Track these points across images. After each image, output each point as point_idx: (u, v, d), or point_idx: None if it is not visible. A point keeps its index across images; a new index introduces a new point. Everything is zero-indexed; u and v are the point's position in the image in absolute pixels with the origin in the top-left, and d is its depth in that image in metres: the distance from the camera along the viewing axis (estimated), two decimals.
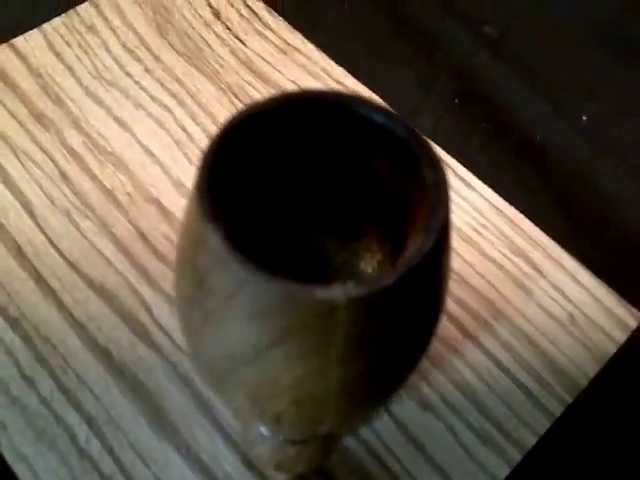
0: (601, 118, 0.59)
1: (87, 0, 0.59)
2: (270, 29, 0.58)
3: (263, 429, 0.34)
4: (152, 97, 0.53)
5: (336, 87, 0.55)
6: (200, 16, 0.58)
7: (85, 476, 0.39)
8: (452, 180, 0.51)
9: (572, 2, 0.61)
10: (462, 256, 0.47)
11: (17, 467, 0.39)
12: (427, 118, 0.56)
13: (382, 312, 0.22)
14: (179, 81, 0.54)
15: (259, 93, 0.54)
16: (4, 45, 0.55)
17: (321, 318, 0.21)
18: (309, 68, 0.56)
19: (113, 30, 0.57)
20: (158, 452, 0.40)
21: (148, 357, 0.43)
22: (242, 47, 0.57)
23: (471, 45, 0.62)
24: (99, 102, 0.53)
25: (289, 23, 0.59)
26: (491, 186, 0.51)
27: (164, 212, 0.48)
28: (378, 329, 0.22)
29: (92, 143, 0.51)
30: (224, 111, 0.53)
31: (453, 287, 0.46)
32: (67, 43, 0.56)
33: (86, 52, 0.55)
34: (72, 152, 0.50)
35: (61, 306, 0.44)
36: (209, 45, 0.57)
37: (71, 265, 0.46)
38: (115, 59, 0.55)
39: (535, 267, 0.47)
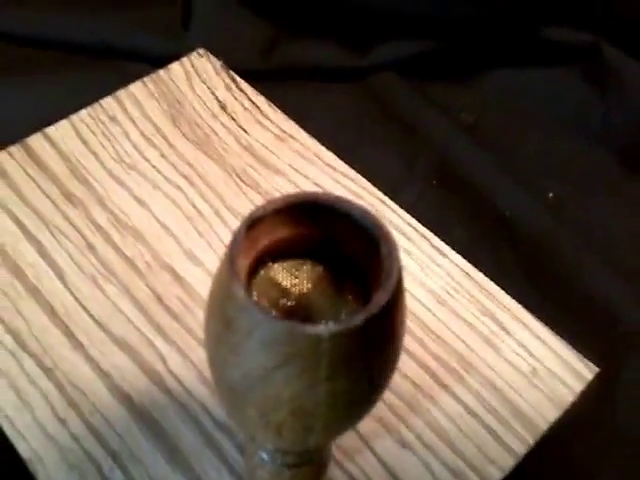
0: (565, 196, 0.66)
1: (110, 94, 0.66)
2: (269, 119, 0.65)
3: (264, 455, 0.40)
4: (167, 179, 0.60)
5: (327, 170, 0.62)
6: (209, 108, 0.66)
7: None
8: (428, 249, 0.57)
9: (539, 93, 0.69)
10: (437, 316, 0.54)
11: None
12: (409, 195, 0.63)
13: (355, 343, 0.29)
14: (190, 165, 0.61)
15: (259, 175, 0.61)
16: (38, 134, 0.62)
17: (311, 347, 0.28)
18: (303, 153, 0.63)
19: (132, 120, 0.64)
20: None
21: (163, 401, 0.49)
22: (245, 135, 0.64)
23: (449, 130, 0.70)
24: (121, 183, 0.60)
25: (285, 114, 0.66)
26: (464, 255, 0.57)
27: (177, 278, 0.55)
28: (353, 355, 0.29)
29: (115, 219, 0.57)
30: (229, 190, 0.60)
31: (429, 343, 0.52)
32: (92, 132, 0.63)
33: (109, 139, 0.63)
34: (97, 226, 0.57)
35: (89, 358, 0.50)
36: (216, 133, 0.64)
37: (97, 323, 0.52)
38: (134, 145, 0.62)
39: (502, 326, 0.53)
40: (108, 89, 0.67)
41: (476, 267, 0.57)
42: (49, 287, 0.54)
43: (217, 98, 0.67)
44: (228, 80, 0.68)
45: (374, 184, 0.61)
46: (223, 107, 0.66)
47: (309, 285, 0.34)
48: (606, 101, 0.70)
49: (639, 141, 0.69)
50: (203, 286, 0.54)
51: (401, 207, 0.60)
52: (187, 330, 0.52)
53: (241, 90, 0.67)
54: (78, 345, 0.51)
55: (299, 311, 0.33)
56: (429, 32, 0.74)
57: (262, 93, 0.68)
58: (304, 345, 0.28)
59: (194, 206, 0.59)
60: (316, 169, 0.62)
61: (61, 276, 0.54)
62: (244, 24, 0.76)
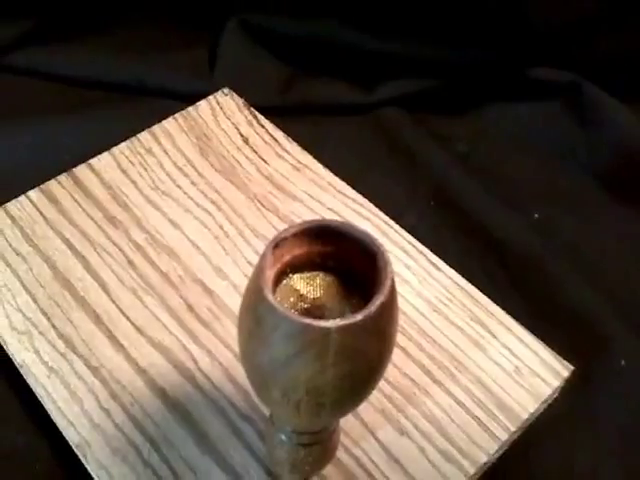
0: (550, 218, 0.72)
1: (145, 129, 0.74)
2: (287, 151, 0.72)
3: (282, 436, 0.47)
4: (197, 204, 0.67)
5: (339, 196, 0.68)
6: (233, 142, 0.72)
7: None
8: (426, 264, 0.64)
9: (527, 125, 0.76)
10: (432, 322, 0.60)
11: (99, 473, 0.52)
12: (410, 218, 0.69)
13: (357, 335, 0.36)
14: (217, 192, 0.68)
15: (279, 200, 0.67)
16: (84, 165, 0.69)
17: (322, 338, 0.35)
18: (317, 181, 0.69)
19: (166, 152, 0.71)
20: (202, 464, 0.52)
21: (194, 395, 0.55)
22: (265, 165, 0.70)
23: (446, 159, 0.77)
24: (156, 207, 0.66)
25: (301, 145, 0.72)
26: (458, 270, 0.63)
27: (207, 290, 0.61)
28: (355, 345, 0.36)
29: (152, 238, 0.64)
30: (252, 214, 0.66)
31: (425, 345, 0.59)
32: (131, 162, 0.70)
33: (146, 169, 0.70)
34: (136, 245, 0.64)
35: (129, 358, 0.57)
36: (240, 164, 0.71)
37: (137, 328, 0.59)
38: (168, 174, 0.69)
39: (489, 331, 0.59)
40: (143, 123, 0.73)
41: (468, 280, 0.63)
42: (95, 298, 0.60)
43: (240, 132, 0.73)
44: (250, 117, 0.75)
45: (380, 208, 0.67)
46: (246, 141, 0.73)
47: (321, 292, 0.41)
48: (587, 132, 0.76)
49: (618, 168, 0.75)
50: (229, 297, 0.61)
51: (403, 228, 0.66)
52: (215, 335, 0.59)
53: (262, 125, 0.74)
54: (120, 347, 0.58)
55: (313, 312, 0.40)
56: (429, 72, 0.81)
57: (280, 127, 0.74)
58: (316, 336, 0.35)
59: (221, 228, 0.65)
60: (329, 195, 0.69)
61: (105, 288, 0.61)
62: (264, 65, 0.83)
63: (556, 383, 0.57)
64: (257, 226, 0.66)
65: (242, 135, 0.74)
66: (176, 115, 0.74)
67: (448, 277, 0.63)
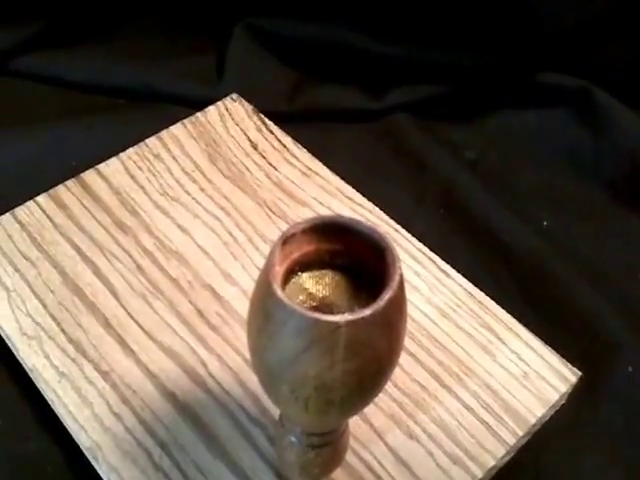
0: (558, 224, 0.73)
1: (153, 135, 0.75)
2: (296, 157, 0.72)
3: (292, 438, 0.47)
4: (206, 209, 0.67)
5: (347, 202, 0.68)
6: (242, 148, 0.73)
7: None
8: (435, 271, 0.64)
9: (535, 132, 0.76)
10: (441, 328, 0.60)
11: (111, 476, 0.52)
12: (418, 224, 0.69)
13: (365, 330, 0.36)
14: (226, 198, 0.68)
15: (287, 206, 0.67)
16: (92, 170, 0.70)
17: (330, 333, 0.35)
18: (326, 187, 0.69)
19: (174, 158, 0.72)
20: (213, 467, 0.52)
21: (204, 399, 0.55)
22: (274, 171, 0.71)
23: (454, 166, 0.77)
24: (165, 213, 0.67)
25: (310, 151, 0.73)
26: (466, 276, 0.63)
27: (216, 295, 0.61)
28: (364, 340, 0.36)
29: (161, 244, 0.64)
30: (261, 220, 0.66)
31: (434, 351, 0.59)
32: (139, 168, 0.70)
33: (154, 175, 0.70)
34: (145, 250, 0.64)
35: (139, 362, 0.57)
36: (249, 170, 0.71)
37: (146, 333, 0.59)
38: (177, 180, 0.69)
39: (497, 337, 0.60)
40: (151, 129, 0.73)
41: (477, 286, 0.63)
42: (104, 303, 0.61)
43: (249, 139, 0.74)
44: (259, 123, 0.76)
45: (388, 215, 0.68)
46: (255, 147, 0.73)
47: (330, 290, 0.41)
48: (596, 139, 0.77)
49: (626, 175, 0.75)
50: (238, 302, 0.61)
51: (412, 235, 0.66)
52: (225, 340, 0.59)
53: (270, 132, 0.75)
54: (130, 352, 0.58)
55: (322, 309, 0.40)
56: (437, 78, 0.81)
57: (289, 133, 0.74)
58: (325, 331, 0.35)
59: (230, 234, 0.66)
60: (337, 201, 0.69)
61: (115, 294, 0.61)
62: (272, 72, 0.84)
63: (564, 388, 0.58)
64: (266, 232, 0.66)
65: (251, 141, 0.74)
66: (184, 121, 0.75)
67: (457, 284, 0.63)
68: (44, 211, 0.67)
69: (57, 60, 0.84)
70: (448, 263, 0.65)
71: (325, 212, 0.67)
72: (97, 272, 0.63)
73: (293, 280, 0.41)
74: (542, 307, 0.65)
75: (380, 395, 0.54)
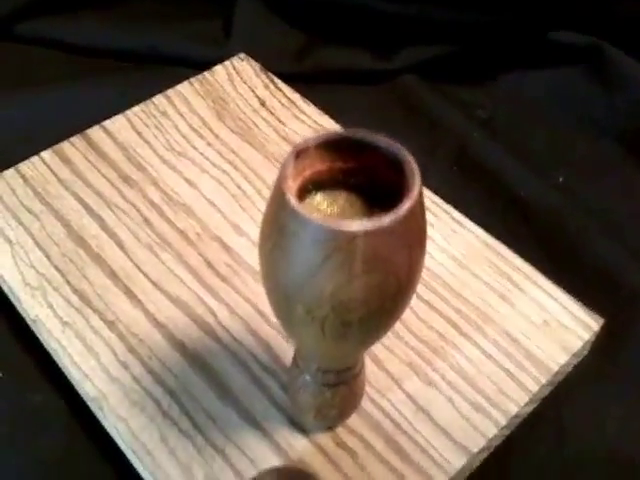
0: (573, 180, 0.71)
1: (160, 93, 0.73)
2: (304, 113, 0.71)
3: (307, 376, 0.46)
4: (214, 164, 0.66)
5: None
6: (250, 105, 0.71)
7: (168, 430, 0.49)
8: (450, 222, 0.63)
9: (546, 90, 0.75)
10: (458, 277, 0.59)
11: (118, 425, 0.50)
12: (431, 181, 0.65)
13: (384, 240, 0.34)
14: (234, 152, 0.67)
15: None
16: (97, 126, 0.69)
17: (348, 243, 0.33)
18: None
19: (181, 115, 0.70)
20: (223, 414, 0.50)
21: (214, 348, 0.54)
22: (283, 127, 0.69)
23: (466, 125, 0.75)
24: (172, 167, 0.65)
25: (320, 109, 0.71)
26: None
27: (225, 247, 0.60)
28: (383, 251, 0.35)
29: (168, 198, 0.63)
30: (269, 173, 0.65)
31: (451, 300, 0.57)
32: (145, 124, 0.69)
33: (160, 131, 0.68)
34: (152, 204, 0.62)
35: (146, 312, 0.55)
36: (257, 126, 0.69)
37: (154, 284, 0.57)
38: (184, 136, 0.68)
39: (516, 286, 0.58)
40: (158, 90, 0.72)
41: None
42: (110, 255, 0.59)
43: (257, 96, 0.72)
44: (267, 80, 0.74)
45: None
46: (262, 103, 0.72)
47: (344, 210, 0.39)
48: (608, 95, 0.75)
49: (636, 129, 0.74)
50: (248, 253, 0.59)
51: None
52: (235, 290, 0.57)
53: (279, 89, 0.73)
54: (136, 302, 0.56)
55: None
56: (448, 38, 0.80)
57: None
58: (342, 241, 0.33)
59: (239, 187, 0.64)
60: None
61: (121, 246, 0.60)
62: (280, 33, 0.82)
63: (586, 336, 0.56)
64: None
65: (259, 98, 0.72)
66: (191, 79, 0.73)
67: (473, 234, 0.62)
68: (48, 166, 0.65)
69: (62, 24, 0.83)
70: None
71: None
72: (103, 225, 0.61)
73: (307, 200, 0.39)
74: (561, 260, 0.64)
75: (396, 342, 0.53)
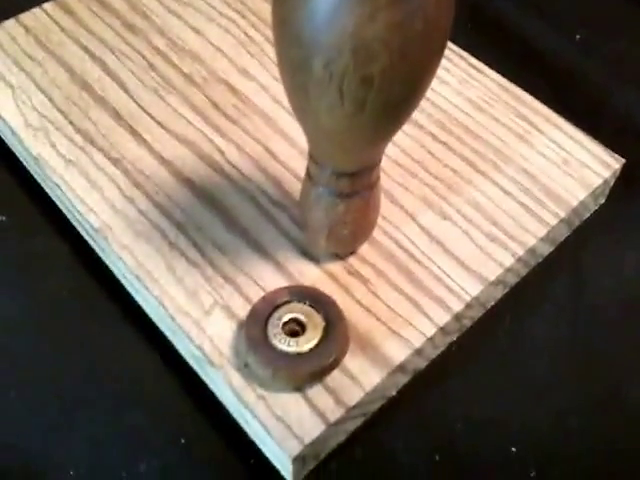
0: (591, 37, 0.69)
1: None
2: None
3: (320, 188, 0.44)
4: (220, 12, 0.63)
5: None
6: None
7: (174, 260, 0.48)
8: (465, 67, 0.60)
9: None
10: (474, 118, 0.57)
11: (122, 253, 0.48)
12: None
13: None
14: (241, 1, 0.64)
15: None
16: None
17: None
18: None
19: None
20: (232, 245, 0.49)
21: (221, 184, 0.52)
22: None
23: None
24: (178, 16, 0.63)
25: None
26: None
27: (232, 89, 0.58)
28: None
29: (173, 44, 0.61)
30: None
31: (467, 140, 0.55)
32: None
33: None
34: (157, 50, 0.60)
35: (152, 150, 0.54)
36: None
37: (159, 124, 0.55)
38: None
39: (535, 127, 0.56)
40: None
41: None
42: (114, 97, 0.57)
43: None
44: None
45: None
46: None
47: None
48: None
49: None
50: (257, 96, 0.58)
51: None
52: (243, 130, 0.56)
53: None
54: (142, 140, 0.55)
55: None
56: None
57: None
58: None
59: (246, 34, 0.62)
60: None
61: (125, 89, 0.58)
62: None
63: (607, 174, 0.54)
64: None
65: None
66: None
67: (490, 78, 0.60)
68: (51, 17, 0.63)
69: None
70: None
71: None
72: (106, 69, 0.59)
73: None
74: (580, 109, 0.62)
75: (409, 179, 0.51)
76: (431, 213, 0.51)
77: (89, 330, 0.50)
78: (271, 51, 0.60)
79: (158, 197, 0.52)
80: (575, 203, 0.52)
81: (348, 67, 0.33)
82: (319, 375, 0.43)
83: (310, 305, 0.45)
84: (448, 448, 0.45)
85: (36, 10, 0.64)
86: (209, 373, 0.45)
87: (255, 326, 0.44)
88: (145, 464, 0.44)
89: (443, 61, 0.57)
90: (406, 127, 0.55)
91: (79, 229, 0.53)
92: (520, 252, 0.49)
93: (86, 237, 0.52)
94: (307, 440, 0.41)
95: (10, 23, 0.63)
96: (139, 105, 0.57)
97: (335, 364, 0.43)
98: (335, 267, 0.48)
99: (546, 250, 0.53)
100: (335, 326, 0.44)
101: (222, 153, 0.54)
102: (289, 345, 0.43)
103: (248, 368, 0.43)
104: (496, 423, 0.46)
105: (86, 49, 0.61)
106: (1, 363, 0.49)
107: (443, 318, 0.46)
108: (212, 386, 0.46)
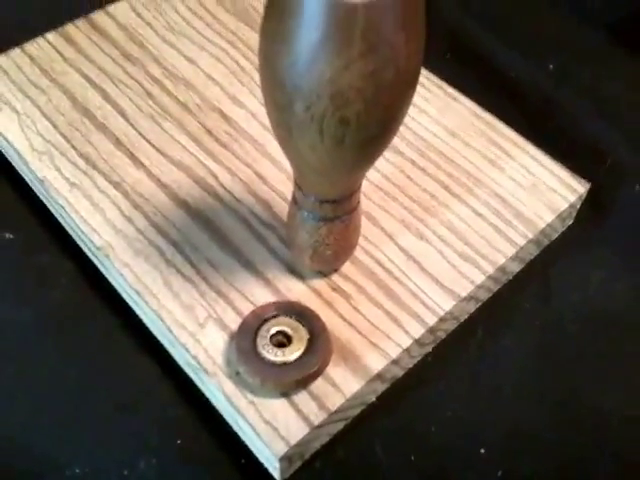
0: (564, 66, 0.73)
1: None
2: None
3: (305, 213, 0.48)
4: (212, 42, 0.67)
5: None
6: None
7: (171, 276, 0.52)
8: (443, 97, 0.64)
9: None
10: (450, 145, 0.60)
11: (123, 270, 0.52)
12: (425, 66, 0.70)
13: (384, 18, 0.34)
14: (233, 32, 0.68)
15: None
16: (99, 11, 0.70)
17: (347, 16, 0.34)
18: None
19: None
20: (225, 263, 0.53)
21: (215, 206, 0.56)
22: None
23: (457, 16, 0.77)
24: (172, 45, 0.67)
25: None
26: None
27: (225, 117, 0.62)
28: (383, 31, 0.34)
29: (168, 72, 0.65)
30: None
31: (443, 164, 0.59)
32: (146, 7, 0.70)
33: (160, 13, 0.69)
34: (154, 78, 0.64)
35: (150, 174, 0.57)
36: (255, 9, 0.71)
37: (156, 149, 0.59)
38: (182, 17, 0.69)
39: (506, 153, 0.60)
40: None
41: None
42: (114, 124, 0.61)
43: None
44: None
45: None
46: None
47: None
48: None
49: (622, 17, 0.76)
50: (247, 123, 0.61)
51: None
52: (235, 155, 0.59)
53: None
54: (140, 165, 0.58)
55: None
56: None
57: None
58: (341, 16, 0.34)
59: (237, 63, 0.66)
60: None
61: (124, 115, 0.62)
62: None
63: (572, 198, 0.58)
64: None
65: None
66: None
67: (465, 107, 0.64)
68: (53, 46, 0.67)
69: None
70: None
71: None
72: (107, 97, 0.63)
73: None
74: (550, 137, 0.66)
75: (390, 202, 0.55)
76: (409, 234, 0.55)
77: (92, 340, 0.54)
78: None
79: (156, 218, 0.55)
80: (543, 225, 0.56)
81: (327, 110, 0.37)
82: (304, 383, 0.47)
83: (296, 319, 0.49)
84: (423, 449, 0.49)
85: (39, 39, 0.68)
86: (204, 380, 0.49)
87: (245, 338, 0.48)
88: (144, 462, 0.48)
89: (423, 91, 0.62)
90: (388, 154, 0.59)
91: (82, 247, 0.56)
92: (491, 270, 0.54)
93: (89, 255, 0.56)
94: (293, 441, 0.45)
95: (16, 52, 0.66)
96: (137, 131, 0.61)
97: (319, 373, 0.47)
98: (319, 284, 0.52)
99: (516, 268, 0.57)
100: (319, 338, 0.48)
101: (215, 177, 0.58)
102: (276, 355, 0.47)
103: (239, 376, 0.47)
104: (467, 426, 0.51)
105: (87, 78, 0.64)
106: (8, 370, 0.52)
107: (419, 331, 0.50)
108: (206, 392, 0.50)
